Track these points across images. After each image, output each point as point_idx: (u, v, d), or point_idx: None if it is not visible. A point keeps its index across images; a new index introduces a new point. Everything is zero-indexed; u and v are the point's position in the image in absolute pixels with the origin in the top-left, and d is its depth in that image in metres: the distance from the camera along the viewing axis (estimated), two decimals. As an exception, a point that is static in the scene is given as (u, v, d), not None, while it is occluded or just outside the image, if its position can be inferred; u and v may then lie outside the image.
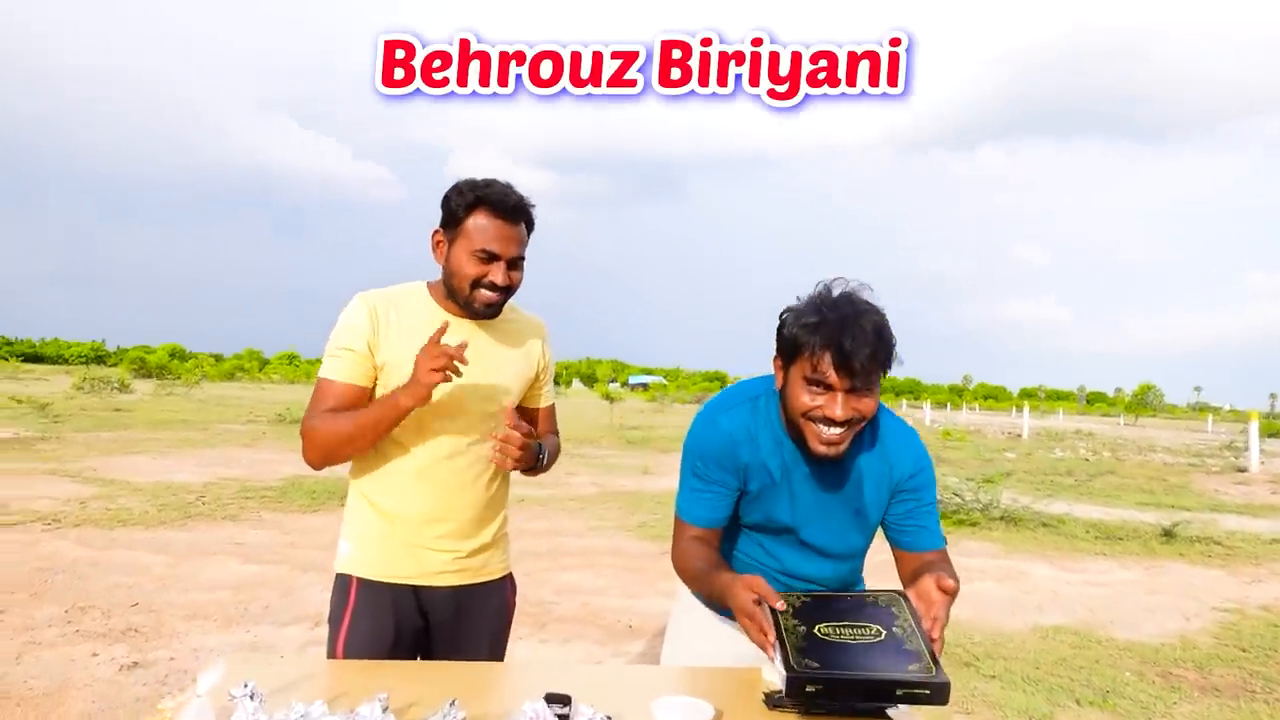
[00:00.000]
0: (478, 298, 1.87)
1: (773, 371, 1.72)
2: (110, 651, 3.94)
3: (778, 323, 1.66)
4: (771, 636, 1.40)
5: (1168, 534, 8.63)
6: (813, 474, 1.75)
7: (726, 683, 1.65)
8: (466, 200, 1.85)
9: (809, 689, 1.31)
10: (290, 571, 5.67)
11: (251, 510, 7.98)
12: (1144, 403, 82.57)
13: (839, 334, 1.53)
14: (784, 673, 1.33)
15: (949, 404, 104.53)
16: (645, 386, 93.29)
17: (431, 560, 1.91)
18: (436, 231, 1.92)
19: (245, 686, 1.26)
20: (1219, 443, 28.86)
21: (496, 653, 2.04)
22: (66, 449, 12.39)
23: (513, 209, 1.86)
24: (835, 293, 1.61)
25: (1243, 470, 18.02)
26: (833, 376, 1.55)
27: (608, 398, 29.89)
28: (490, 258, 1.85)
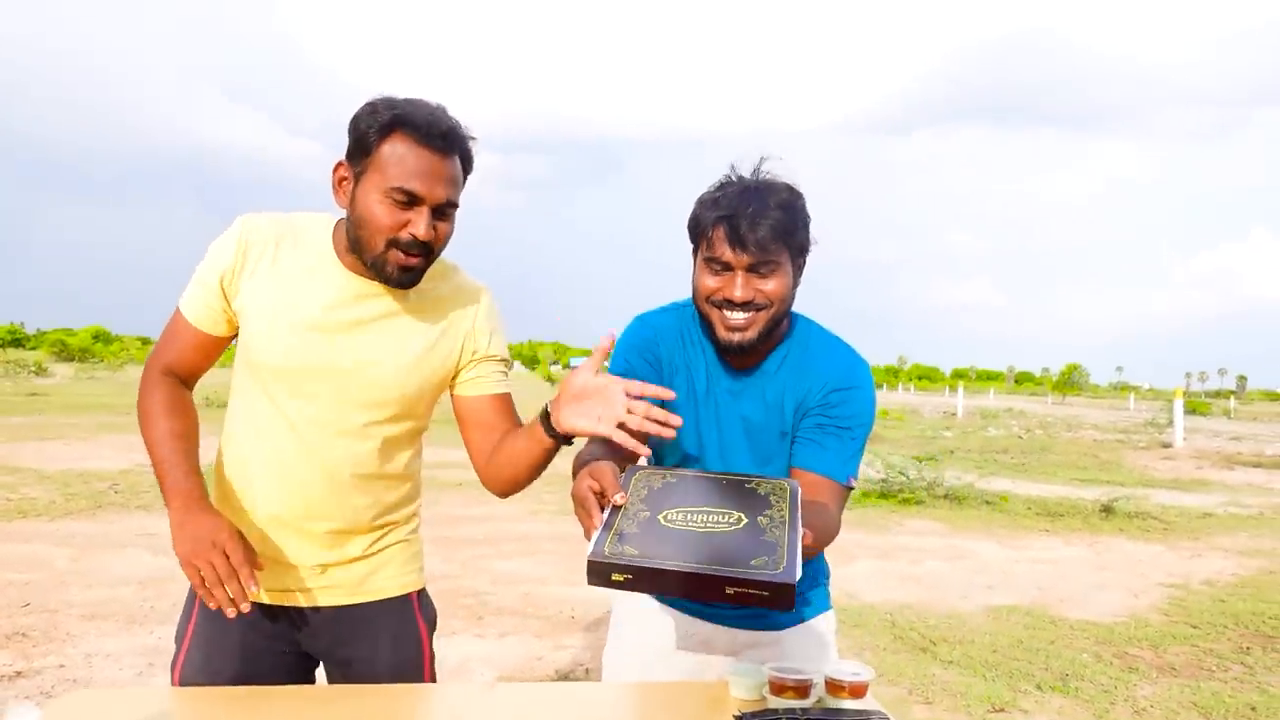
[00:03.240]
0: (391, 259, 1.41)
1: None
2: (-8, 659, 3.53)
3: None
4: (597, 520, 1.16)
5: (1107, 510, 8.72)
6: (736, 389, 1.57)
7: (687, 700, 1.40)
8: (381, 121, 1.38)
9: (615, 578, 1.09)
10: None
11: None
12: (1070, 382, 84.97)
13: (736, 206, 1.42)
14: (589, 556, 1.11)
15: (885, 384, 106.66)
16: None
17: (286, 575, 1.51)
18: (340, 164, 1.46)
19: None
20: (1142, 420, 29.75)
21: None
22: (-31, 436, 11.61)
23: (444, 135, 1.40)
24: (744, 173, 1.49)
25: (1168, 446, 18.53)
26: (729, 253, 1.43)
27: (549, 380, 29.48)
28: (410, 200, 1.38)
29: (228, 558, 1.31)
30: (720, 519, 1.18)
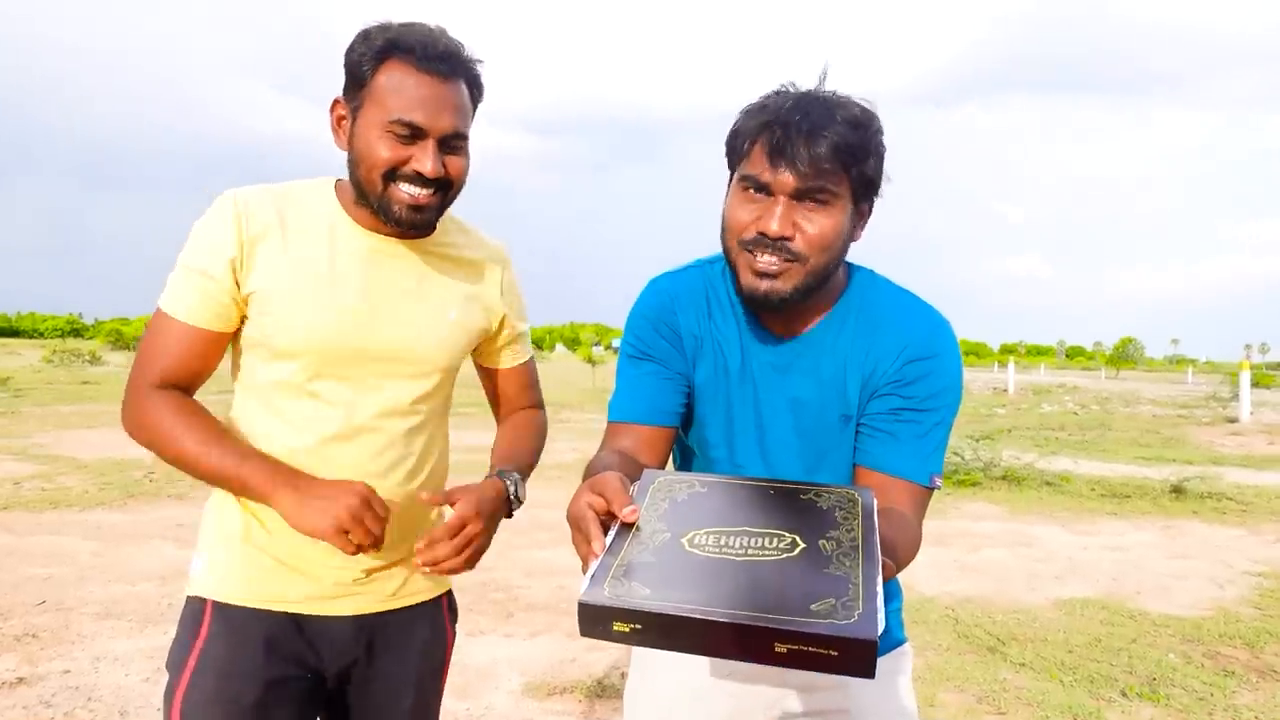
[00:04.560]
0: (395, 197, 1.26)
1: None
2: (-4, 664, 3.35)
3: None
4: (597, 548, 0.85)
5: (1177, 490, 8.20)
6: (781, 362, 1.23)
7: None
8: (375, 48, 1.24)
9: (617, 628, 0.77)
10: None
11: (202, 487, 7.32)
12: (1124, 356, 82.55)
13: (789, 114, 1.08)
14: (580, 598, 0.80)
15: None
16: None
17: (323, 579, 1.33)
18: (336, 101, 1.31)
19: None
20: (1202, 394, 28.64)
21: (424, 703, 1.45)
22: (19, 424, 11.73)
23: (443, 57, 1.25)
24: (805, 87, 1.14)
25: (1234, 421, 17.71)
26: (770, 171, 1.09)
27: (590, 361, 29.24)
28: (413, 133, 1.24)
29: (370, 507, 1.21)
30: (767, 543, 0.86)
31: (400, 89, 1.23)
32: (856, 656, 0.72)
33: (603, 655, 3.68)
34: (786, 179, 1.08)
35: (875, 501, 0.94)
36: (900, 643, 1.37)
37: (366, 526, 1.19)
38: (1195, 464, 10.59)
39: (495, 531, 1.35)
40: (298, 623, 1.33)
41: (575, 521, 0.89)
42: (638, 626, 0.77)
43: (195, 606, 1.33)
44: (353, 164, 1.29)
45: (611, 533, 0.87)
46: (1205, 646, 3.97)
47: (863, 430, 1.22)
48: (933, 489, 1.20)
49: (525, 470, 1.48)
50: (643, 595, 0.79)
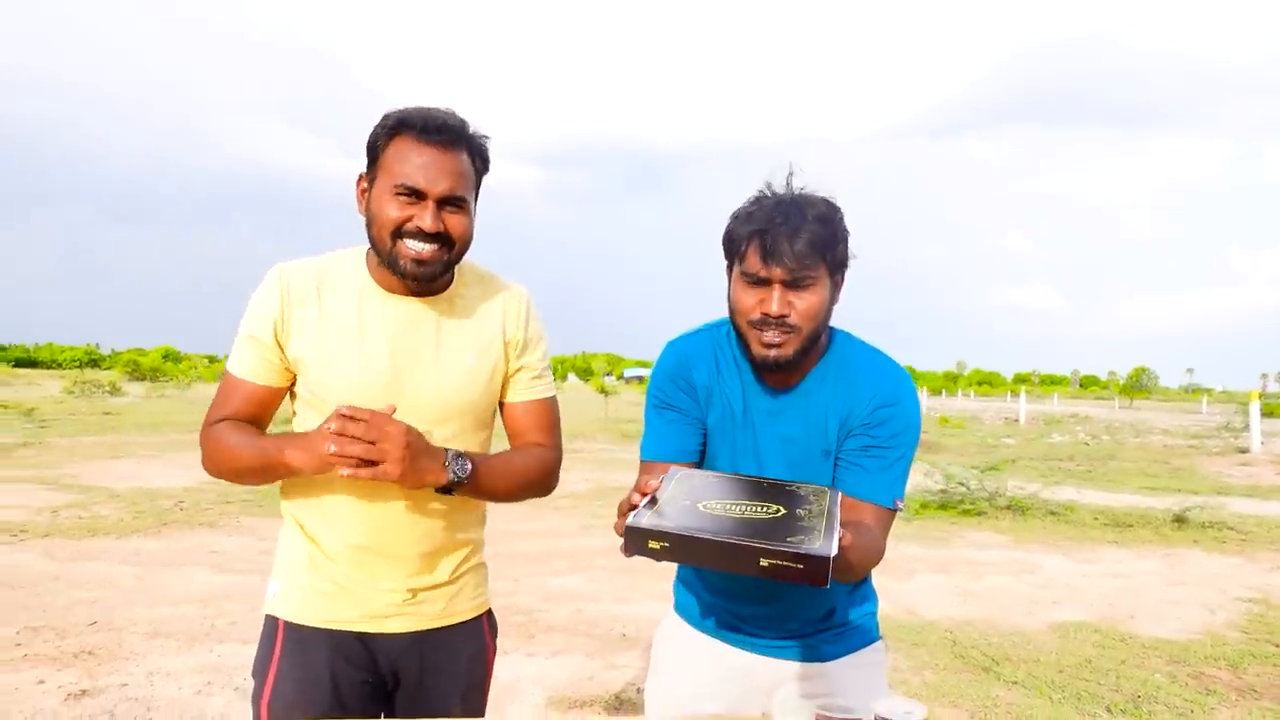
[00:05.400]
0: (401, 253, 1.44)
1: None
2: (59, 678, 3.62)
3: None
4: (636, 498, 1.18)
5: (1179, 520, 8.38)
6: (775, 409, 1.52)
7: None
8: (387, 127, 1.45)
9: (651, 545, 1.09)
10: (263, 582, 5.28)
11: (231, 516, 7.66)
12: (1138, 385, 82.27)
13: (771, 219, 1.38)
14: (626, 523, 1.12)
15: (944, 390, 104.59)
16: (641, 379, 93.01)
17: (375, 601, 1.53)
18: (360, 177, 1.52)
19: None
20: (1215, 424, 28.64)
21: (472, 708, 1.65)
22: (48, 455, 12.06)
23: (441, 129, 1.44)
24: (778, 187, 1.45)
25: (1244, 451, 17.79)
26: (764, 267, 1.38)
27: (602, 391, 29.53)
28: (413, 195, 1.42)
29: (345, 426, 1.32)
30: (760, 510, 1.17)
31: (404, 157, 1.43)
32: (816, 568, 1.03)
33: (620, 673, 3.93)
34: (777, 272, 1.38)
35: (840, 494, 1.24)
36: (876, 640, 1.63)
37: (345, 446, 1.31)
38: (1201, 494, 10.73)
39: (404, 466, 1.34)
40: (359, 639, 1.52)
41: (621, 507, 1.18)
42: (666, 545, 1.08)
43: (271, 625, 1.54)
44: (369, 227, 1.48)
45: (645, 500, 1.18)
46: (1191, 667, 4.18)
47: (840, 464, 1.50)
48: (895, 510, 1.47)
49: (489, 468, 1.51)
50: (670, 524, 1.10)
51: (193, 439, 14.96)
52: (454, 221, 1.46)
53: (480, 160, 1.52)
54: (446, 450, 1.43)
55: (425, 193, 1.43)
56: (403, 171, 1.42)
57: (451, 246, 1.48)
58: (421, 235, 1.43)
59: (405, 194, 1.43)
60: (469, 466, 1.45)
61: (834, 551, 1.03)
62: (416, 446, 1.37)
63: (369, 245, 1.53)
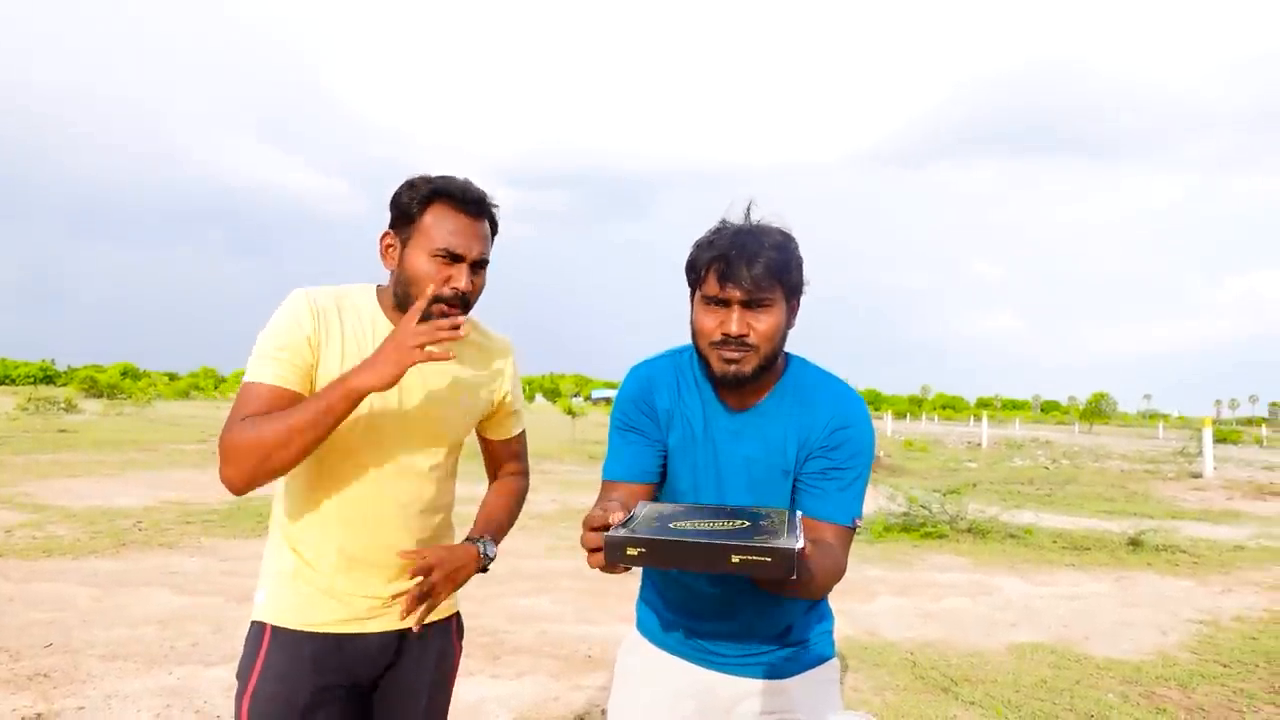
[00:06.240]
0: (433, 311, 1.59)
1: None
2: (13, 701, 3.56)
3: None
4: (614, 518, 1.22)
5: (1134, 543, 8.57)
6: (735, 428, 1.59)
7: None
8: (422, 194, 1.61)
9: (629, 551, 1.15)
10: (224, 603, 5.29)
11: (192, 536, 7.55)
12: (1097, 411, 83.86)
13: (731, 246, 1.46)
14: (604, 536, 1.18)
15: (909, 414, 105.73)
16: (609, 400, 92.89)
17: (357, 605, 1.66)
18: (386, 234, 1.66)
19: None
20: (1171, 449, 29.28)
21: (437, 704, 1.77)
22: (2, 473, 11.78)
23: (476, 202, 1.63)
24: (737, 218, 1.54)
25: (1197, 476, 18.22)
26: (724, 290, 1.46)
27: (570, 412, 29.51)
28: (453, 258, 1.60)
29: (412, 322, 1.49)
30: (725, 524, 1.24)
31: (443, 224, 1.60)
32: (783, 559, 1.09)
33: (584, 693, 3.94)
34: (736, 294, 1.45)
35: (800, 513, 1.29)
36: (831, 657, 1.69)
37: (435, 329, 1.48)
38: (1155, 518, 11.00)
39: (458, 584, 1.69)
40: (338, 641, 1.64)
41: (587, 521, 1.21)
42: (643, 550, 1.14)
43: (257, 630, 1.64)
44: (403, 282, 1.61)
45: (619, 522, 1.22)
46: (1142, 687, 4.29)
47: (800, 486, 1.56)
48: (854, 528, 1.53)
49: (499, 533, 1.85)
50: (646, 534, 1.16)
51: (152, 458, 14.71)
52: (478, 281, 1.66)
53: (494, 226, 1.70)
54: (474, 542, 1.74)
55: (463, 256, 1.61)
56: (443, 237, 1.59)
57: (469, 306, 1.65)
58: (455, 296, 1.60)
59: (445, 256, 1.59)
60: (495, 547, 1.79)
61: (800, 545, 1.10)
62: (450, 567, 1.65)
63: (379, 285, 1.71)
